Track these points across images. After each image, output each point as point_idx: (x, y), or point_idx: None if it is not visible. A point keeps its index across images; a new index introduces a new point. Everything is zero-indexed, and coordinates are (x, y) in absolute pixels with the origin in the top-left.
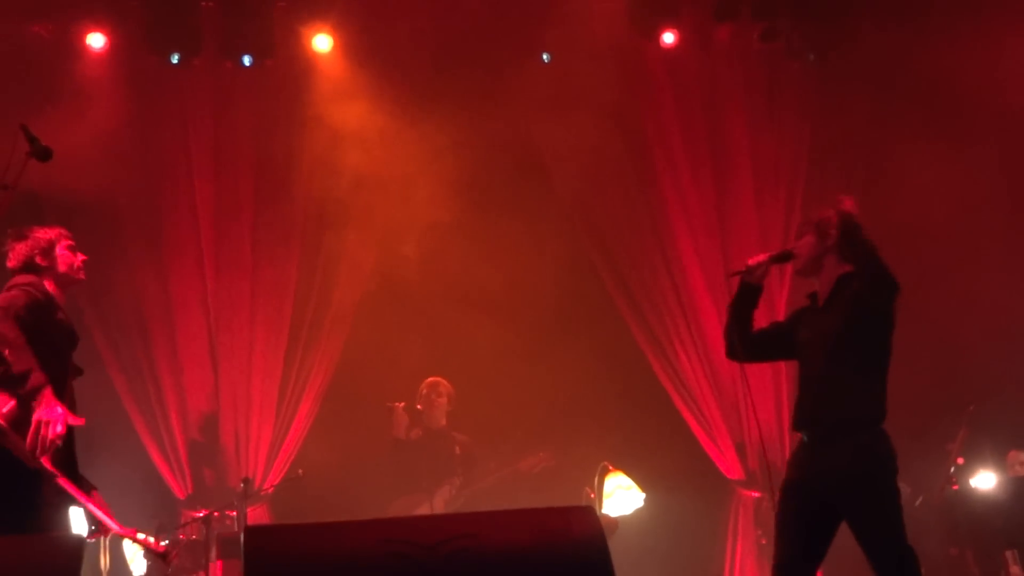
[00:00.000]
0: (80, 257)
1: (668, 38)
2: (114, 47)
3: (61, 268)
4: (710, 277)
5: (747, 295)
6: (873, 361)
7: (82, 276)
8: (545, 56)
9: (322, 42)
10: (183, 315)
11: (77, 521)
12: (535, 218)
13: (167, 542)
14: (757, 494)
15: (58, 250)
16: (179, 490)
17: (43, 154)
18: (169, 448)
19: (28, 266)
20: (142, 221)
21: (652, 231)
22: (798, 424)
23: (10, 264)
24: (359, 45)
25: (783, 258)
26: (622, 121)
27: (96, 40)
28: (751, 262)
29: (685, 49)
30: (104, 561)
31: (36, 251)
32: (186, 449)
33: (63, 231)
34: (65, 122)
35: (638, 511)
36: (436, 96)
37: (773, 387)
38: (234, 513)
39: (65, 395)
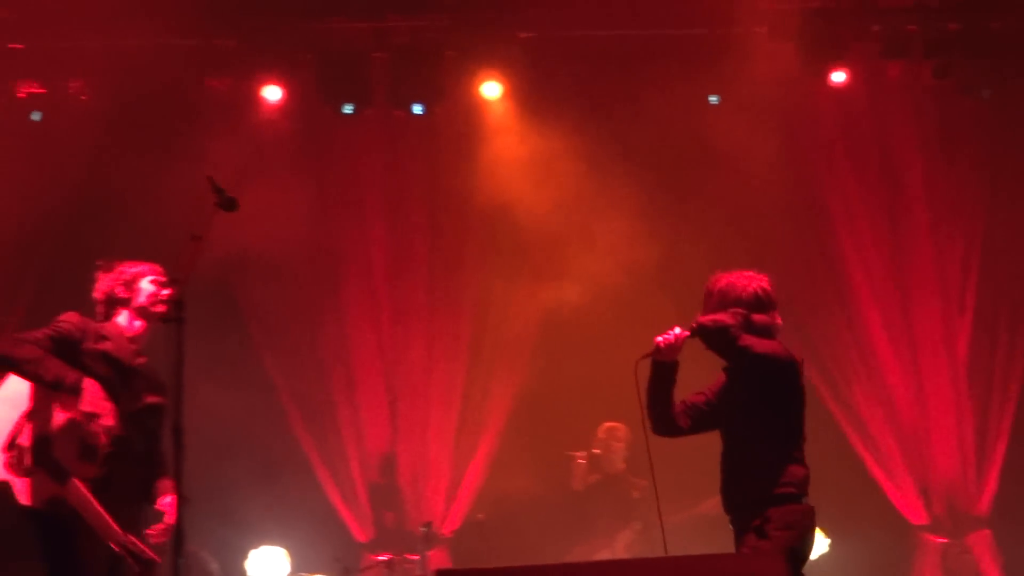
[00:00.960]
0: (165, 292)
1: (838, 77)
2: (289, 99)
3: (141, 301)
4: (886, 315)
5: (661, 375)
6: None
7: (162, 309)
8: (713, 98)
9: (491, 89)
10: (360, 359)
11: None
12: (711, 260)
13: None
14: (944, 540)
15: (141, 283)
16: (360, 533)
17: (229, 205)
18: (348, 490)
19: (108, 298)
20: (318, 266)
21: (826, 270)
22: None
23: (94, 295)
24: (528, 92)
25: (695, 334)
26: (793, 161)
27: (272, 93)
28: (660, 343)
29: (856, 87)
30: None
31: (118, 284)
32: (366, 491)
33: (156, 267)
34: (243, 173)
35: (822, 557)
36: (604, 139)
37: (957, 423)
38: (416, 557)
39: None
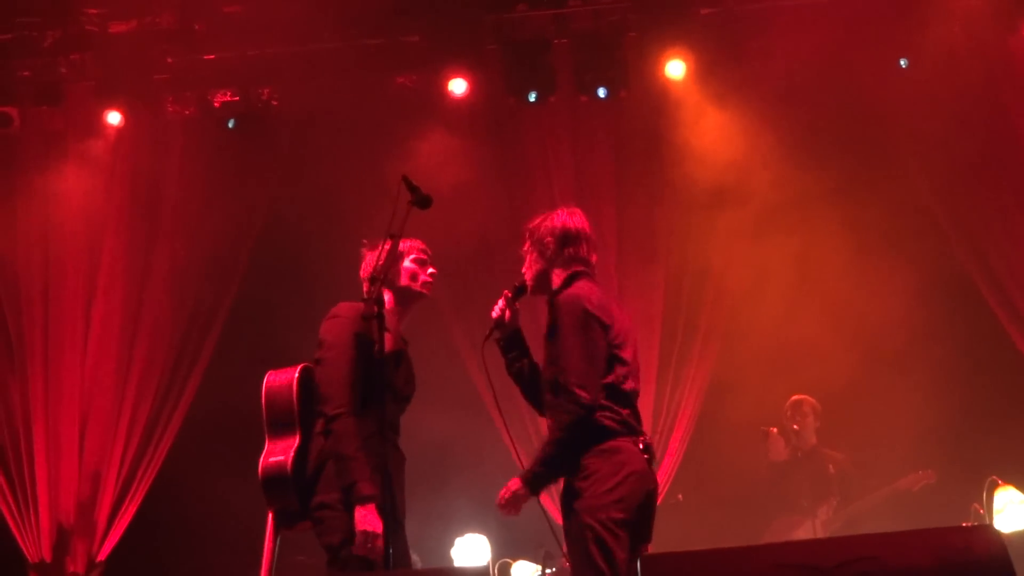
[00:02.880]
0: (428, 270)
1: None
2: (474, 91)
3: (403, 280)
4: None
5: (510, 348)
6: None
7: (426, 291)
8: (903, 61)
9: (675, 68)
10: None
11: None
12: (897, 225)
13: (553, 570)
14: None
15: (404, 262)
16: (558, 517)
17: (424, 202)
18: None
19: (373, 277)
20: (509, 254)
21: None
22: None
23: (361, 274)
24: (713, 68)
25: (520, 291)
26: (988, 119)
27: (458, 86)
28: (494, 315)
29: None
30: None
31: (382, 262)
32: None
33: (418, 244)
34: (434, 166)
35: None
36: (793, 111)
37: None
38: None
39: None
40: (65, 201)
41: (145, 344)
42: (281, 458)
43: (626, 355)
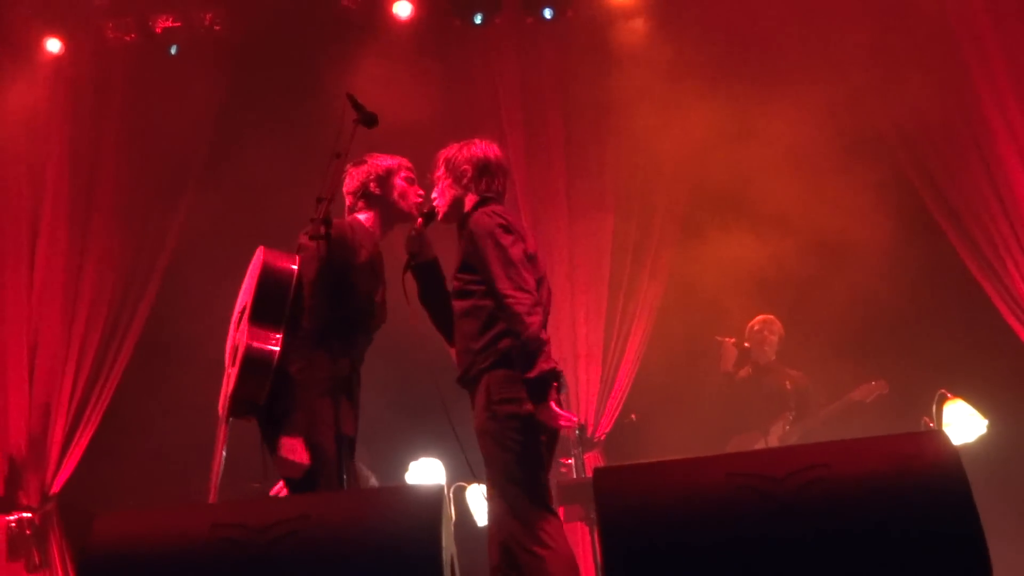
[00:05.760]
0: (417, 190)
1: None
2: (419, 14)
3: (393, 198)
4: None
5: (425, 278)
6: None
7: (415, 212)
8: None
9: None
10: None
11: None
12: (856, 142)
13: None
14: None
15: (395, 179)
16: None
17: (369, 120)
18: None
19: (362, 192)
20: None
21: (976, 149)
22: None
23: (345, 188)
24: None
25: (430, 218)
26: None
27: (402, 8)
28: (409, 248)
29: None
30: (450, 510)
31: (371, 177)
32: None
33: (404, 162)
34: (378, 90)
35: (980, 439)
36: (747, 48)
37: None
38: (569, 461)
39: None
40: (6, 128)
41: (93, 271)
42: (275, 349)
43: (538, 281)
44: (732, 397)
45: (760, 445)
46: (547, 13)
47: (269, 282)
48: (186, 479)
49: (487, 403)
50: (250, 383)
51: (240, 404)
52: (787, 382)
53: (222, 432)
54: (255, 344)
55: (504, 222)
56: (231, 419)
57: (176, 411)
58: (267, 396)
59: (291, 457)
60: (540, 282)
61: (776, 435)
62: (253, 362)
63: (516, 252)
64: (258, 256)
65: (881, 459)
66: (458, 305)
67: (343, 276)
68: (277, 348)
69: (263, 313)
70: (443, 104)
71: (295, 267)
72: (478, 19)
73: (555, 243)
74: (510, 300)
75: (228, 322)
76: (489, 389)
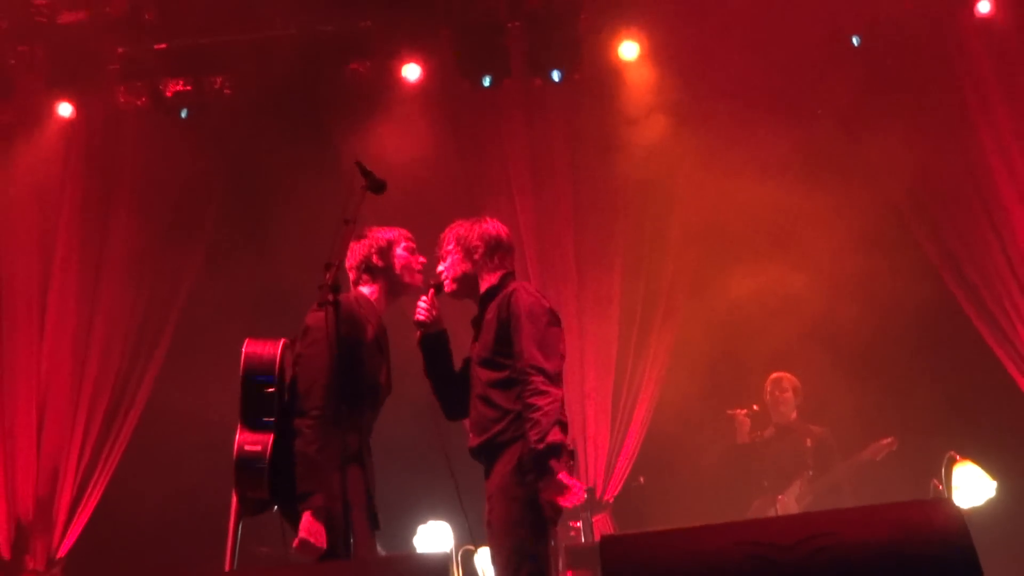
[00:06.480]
0: (419, 259)
1: (983, 7)
2: (428, 76)
3: (396, 270)
4: None
5: (432, 350)
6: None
7: (418, 281)
8: (855, 39)
9: (629, 49)
10: None
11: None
12: (856, 200)
13: None
14: None
15: (396, 250)
16: None
17: (378, 187)
18: None
19: (366, 266)
20: None
21: (981, 204)
22: None
23: (348, 263)
24: (667, 49)
25: (439, 291)
26: (942, 96)
27: (411, 71)
28: (418, 317)
29: (1002, 16)
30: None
31: (373, 250)
32: None
33: (405, 233)
34: (388, 152)
35: (989, 502)
36: (746, 91)
37: None
38: (578, 524)
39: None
40: (17, 193)
41: (102, 335)
42: (259, 449)
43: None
44: (747, 465)
45: (780, 506)
46: (555, 75)
47: (252, 377)
48: (194, 543)
49: (518, 468)
50: (248, 484)
51: (248, 504)
52: (808, 439)
53: (234, 507)
54: (246, 447)
55: (549, 304)
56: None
57: (182, 476)
58: (271, 490)
59: (313, 541)
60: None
61: (794, 494)
62: (245, 464)
63: (558, 343)
64: (244, 348)
65: (889, 527)
66: (487, 375)
67: (351, 354)
68: (263, 447)
69: (248, 414)
70: (452, 166)
71: (275, 352)
72: (487, 82)
73: (563, 305)
74: (535, 372)
75: (234, 387)
76: (523, 455)
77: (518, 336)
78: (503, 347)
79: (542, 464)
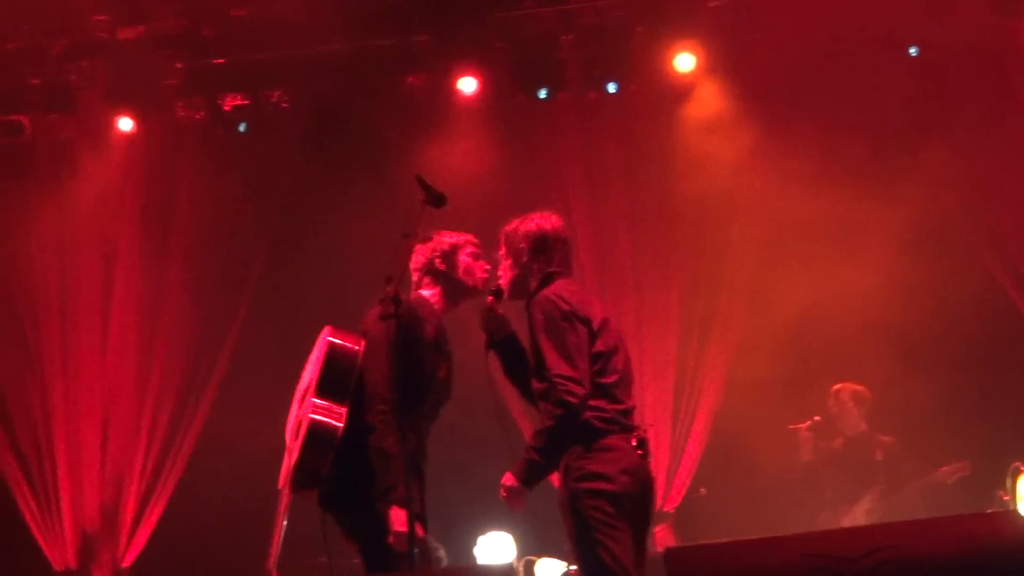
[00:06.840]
0: (483, 265)
1: None
2: (484, 90)
3: (458, 274)
4: None
5: (506, 354)
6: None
7: (481, 286)
8: (912, 50)
9: (685, 61)
10: None
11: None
12: (914, 217)
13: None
14: None
15: (460, 255)
16: None
17: (438, 201)
18: None
19: (428, 269)
20: None
21: None
22: None
23: (412, 265)
24: (723, 60)
25: (497, 297)
26: (1001, 103)
27: (467, 85)
28: (486, 327)
29: None
30: None
31: (437, 254)
32: None
33: (470, 238)
34: (444, 166)
35: None
36: (802, 101)
37: None
38: None
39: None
40: (79, 208)
41: (164, 348)
42: (339, 424)
43: (611, 349)
44: (814, 480)
45: (847, 520)
46: (611, 87)
47: (336, 360)
48: (259, 551)
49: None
50: (314, 454)
51: (303, 475)
52: (878, 452)
53: (284, 504)
54: (321, 418)
55: (564, 304)
56: (294, 492)
57: (245, 482)
58: (336, 468)
59: (403, 529)
60: (616, 349)
61: (863, 508)
62: (318, 434)
63: (578, 343)
64: (324, 334)
65: (954, 539)
66: (536, 386)
67: (409, 353)
68: (341, 424)
69: (329, 388)
70: (509, 179)
71: (359, 348)
72: (542, 94)
73: (622, 315)
74: (555, 397)
75: (291, 397)
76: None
77: (540, 353)
78: (538, 359)
79: (527, 470)
